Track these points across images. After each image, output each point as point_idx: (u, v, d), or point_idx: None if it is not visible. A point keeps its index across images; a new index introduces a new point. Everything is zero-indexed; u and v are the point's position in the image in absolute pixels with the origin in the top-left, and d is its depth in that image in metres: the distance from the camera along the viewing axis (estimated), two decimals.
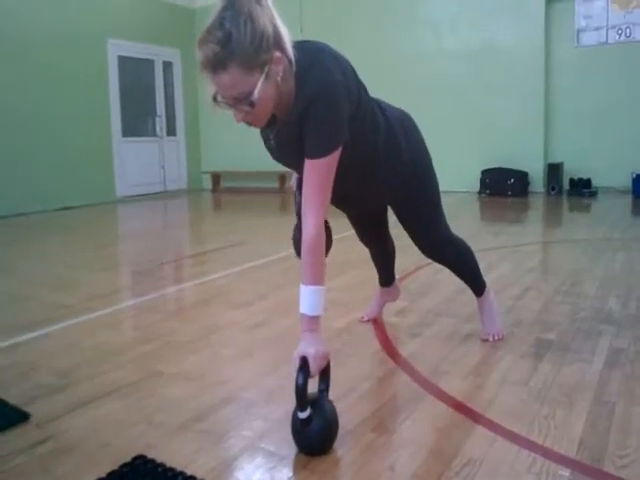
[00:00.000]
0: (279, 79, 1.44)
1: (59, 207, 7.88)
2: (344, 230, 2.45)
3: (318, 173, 1.54)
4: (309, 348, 1.51)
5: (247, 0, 1.37)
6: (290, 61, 1.46)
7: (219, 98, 1.44)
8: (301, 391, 1.47)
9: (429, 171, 2.05)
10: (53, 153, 7.94)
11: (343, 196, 1.66)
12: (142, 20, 9.26)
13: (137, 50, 9.29)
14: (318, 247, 1.56)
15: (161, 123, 9.82)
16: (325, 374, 1.60)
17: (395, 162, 1.90)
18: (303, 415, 1.47)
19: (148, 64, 9.61)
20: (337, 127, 1.54)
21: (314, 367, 1.50)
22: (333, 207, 2.13)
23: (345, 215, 2.25)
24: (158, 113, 9.79)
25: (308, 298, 1.55)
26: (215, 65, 1.36)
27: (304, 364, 1.49)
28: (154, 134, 9.74)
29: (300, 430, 1.50)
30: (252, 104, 1.41)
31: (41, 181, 7.74)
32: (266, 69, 1.40)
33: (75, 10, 8.19)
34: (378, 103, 1.84)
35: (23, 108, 7.59)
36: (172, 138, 10.06)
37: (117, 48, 8.94)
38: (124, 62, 9.10)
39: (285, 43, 1.44)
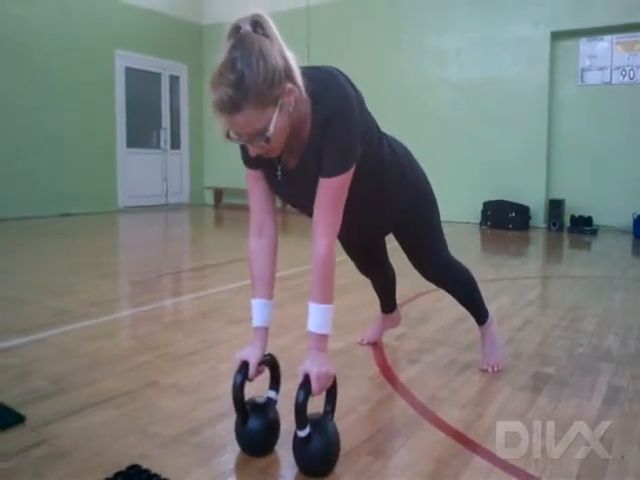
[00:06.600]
0: (291, 109, 1.42)
1: (60, 213, 7.89)
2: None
3: (333, 192, 1.53)
4: (313, 366, 1.49)
5: (256, 36, 1.35)
6: (300, 89, 1.43)
7: (232, 135, 1.42)
8: (300, 409, 1.45)
9: (430, 196, 2.08)
10: (56, 159, 7.97)
11: (347, 224, 1.66)
12: (151, 33, 9.35)
13: (144, 62, 9.37)
14: (329, 267, 1.55)
15: (166, 136, 9.86)
16: (331, 395, 1.58)
17: (399, 185, 1.91)
18: (302, 434, 1.46)
19: (155, 77, 9.69)
20: (353, 145, 1.54)
21: (316, 386, 1.48)
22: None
23: (343, 248, 2.25)
24: (163, 126, 9.83)
25: (317, 316, 1.54)
26: (230, 108, 1.33)
27: (306, 382, 1.48)
28: (158, 146, 9.78)
29: (299, 449, 1.48)
30: (267, 140, 1.40)
31: (43, 187, 7.76)
32: (279, 102, 1.38)
33: (83, 19, 8.27)
34: (379, 128, 1.84)
35: (28, 113, 7.63)
36: (176, 151, 10.10)
37: (124, 59, 9.02)
38: (131, 73, 9.17)
39: (295, 73, 1.41)
